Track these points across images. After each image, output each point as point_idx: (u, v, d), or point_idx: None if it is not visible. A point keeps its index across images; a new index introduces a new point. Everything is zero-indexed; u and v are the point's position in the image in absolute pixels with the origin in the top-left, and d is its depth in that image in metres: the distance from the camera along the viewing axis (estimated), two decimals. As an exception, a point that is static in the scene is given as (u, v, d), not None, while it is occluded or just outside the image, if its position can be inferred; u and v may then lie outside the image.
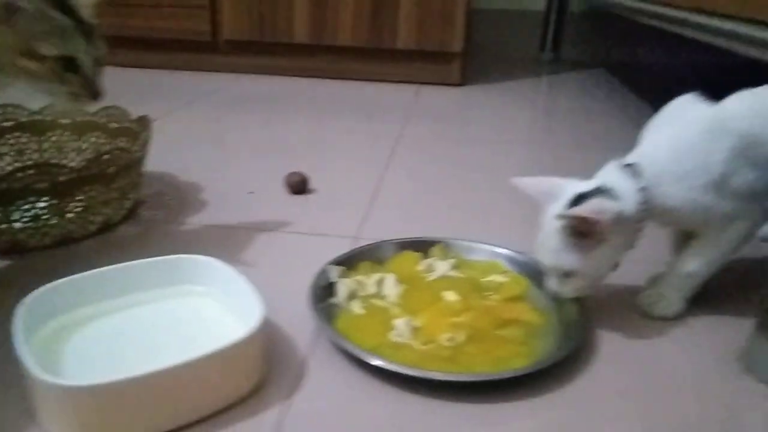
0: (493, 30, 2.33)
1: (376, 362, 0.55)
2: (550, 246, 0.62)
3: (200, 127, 1.33)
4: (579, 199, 0.60)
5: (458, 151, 1.23)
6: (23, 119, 0.96)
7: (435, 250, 0.76)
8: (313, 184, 1.00)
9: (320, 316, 0.61)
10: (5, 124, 0.94)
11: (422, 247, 0.76)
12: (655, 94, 1.52)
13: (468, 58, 1.81)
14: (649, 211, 0.61)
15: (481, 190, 1.03)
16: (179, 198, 0.95)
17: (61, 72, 0.63)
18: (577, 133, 1.39)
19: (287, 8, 1.72)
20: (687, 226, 0.68)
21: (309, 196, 0.97)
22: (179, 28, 1.77)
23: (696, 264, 0.66)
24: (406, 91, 1.71)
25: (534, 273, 0.71)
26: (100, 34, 0.65)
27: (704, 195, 0.61)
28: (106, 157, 0.77)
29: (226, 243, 0.81)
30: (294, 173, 0.97)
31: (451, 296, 0.67)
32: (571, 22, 2.25)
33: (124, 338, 0.58)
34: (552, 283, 0.64)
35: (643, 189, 0.61)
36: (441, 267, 0.73)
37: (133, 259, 0.64)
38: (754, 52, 0.72)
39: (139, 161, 0.86)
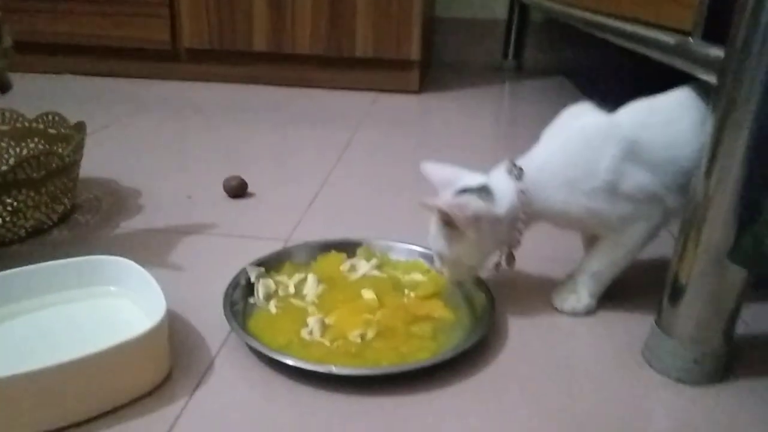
0: (455, 38, 2.36)
1: (278, 357, 0.56)
2: (431, 230, 0.66)
3: (150, 134, 1.33)
4: (463, 191, 0.63)
5: (408, 157, 1.25)
6: (-39, 126, 0.96)
7: (360, 250, 0.77)
8: (253, 188, 1.01)
9: (229, 315, 0.61)
10: (-59, 130, 0.95)
11: (348, 247, 0.77)
12: (608, 100, 1.55)
13: (427, 65, 1.83)
14: (533, 213, 0.64)
15: (423, 193, 1.04)
16: (117, 203, 0.95)
17: None
18: (533, 139, 1.41)
19: (246, 17, 1.73)
20: (587, 229, 0.70)
21: (247, 200, 0.98)
22: (139, 37, 1.78)
23: (600, 264, 0.68)
24: (364, 98, 1.72)
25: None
26: (4, 27, 0.65)
27: (593, 200, 0.63)
28: (31, 161, 0.78)
29: (157, 246, 0.82)
30: (233, 177, 0.98)
31: (368, 294, 0.68)
32: (532, 30, 2.29)
33: (35, 339, 0.59)
34: (437, 264, 0.68)
35: (523, 192, 0.63)
36: (363, 267, 0.74)
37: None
38: (662, 57, 0.75)
39: (71, 166, 0.86)
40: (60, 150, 0.92)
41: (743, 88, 0.51)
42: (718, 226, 0.54)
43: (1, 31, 0.64)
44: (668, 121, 0.64)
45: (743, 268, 0.53)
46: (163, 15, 1.76)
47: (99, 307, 0.63)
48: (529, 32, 2.28)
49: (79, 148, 0.88)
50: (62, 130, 0.96)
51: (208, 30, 1.76)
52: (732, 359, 0.59)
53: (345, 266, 0.74)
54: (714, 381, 0.58)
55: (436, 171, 0.67)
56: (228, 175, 1.00)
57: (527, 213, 0.64)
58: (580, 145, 0.64)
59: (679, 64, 0.69)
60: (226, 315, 0.62)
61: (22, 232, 0.81)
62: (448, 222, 0.63)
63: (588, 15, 1.11)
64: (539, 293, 0.73)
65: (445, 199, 0.63)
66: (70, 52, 1.81)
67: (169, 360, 0.57)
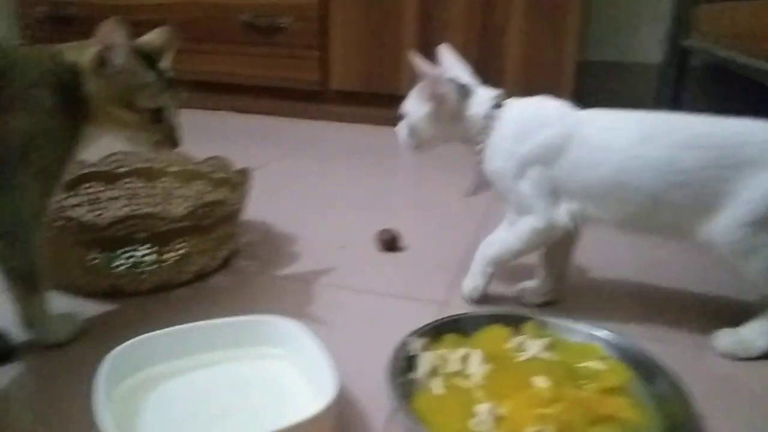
0: (604, 82, 2.25)
1: (452, 455, 0.51)
2: (412, 91, 0.79)
3: (301, 176, 1.36)
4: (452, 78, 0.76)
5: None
6: (138, 165, 1.02)
7: (527, 326, 0.71)
8: (405, 240, 0.98)
9: (397, 394, 0.57)
10: (120, 170, 1.00)
11: (513, 321, 0.71)
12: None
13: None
14: (486, 138, 0.76)
15: (592, 254, 0.93)
16: (272, 249, 0.96)
17: (149, 122, 0.66)
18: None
19: (394, 62, 1.74)
20: (499, 189, 0.77)
21: (399, 254, 0.95)
22: (290, 77, 1.84)
23: (489, 250, 0.79)
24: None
25: (638, 361, 0.64)
26: (176, 84, 0.69)
27: (508, 161, 0.74)
28: (202, 210, 0.79)
29: (313, 300, 0.80)
30: (386, 230, 0.96)
31: (541, 382, 0.61)
32: (691, 77, 2.12)
33: (198, 399, 0.58)
34: (400, 126, 0.81)
35: (488, 118, 0.75)
36: (533, 347, 0.67)
37: (222, 311, 0.66)
38: None
39: (236, 213, 0.88)
40: (223, 194, 0.94)
41: None
42: None
43: (175, 90, 0.67)
44: (611, 128, 0.75)
45: None
46: (313, 57, 1.81)
47: (261, 369, 0.62)
48: (687, 79, 2.12)
49: (245, 195, 0.90)
50: (225, 175, 0.98)
51: (356, 73, 1.79)
52: None
53: (511, 343, 0.68)
54: None
55: (449, 56, 0.79)
56: (377, 223, 0.99)
57: (486, 134, 0.75)
58: (534, 115, 0.75)
59: None
60: (392, 393, 0.58)
61: (187, 277, 0.83)
62: (427, 92, 0.75)
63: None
64: (750, 399, 0.63)
65: (433, 69, 0.75)
66: (229, 90, 1.92)
67: (334, 436, 0.54)
